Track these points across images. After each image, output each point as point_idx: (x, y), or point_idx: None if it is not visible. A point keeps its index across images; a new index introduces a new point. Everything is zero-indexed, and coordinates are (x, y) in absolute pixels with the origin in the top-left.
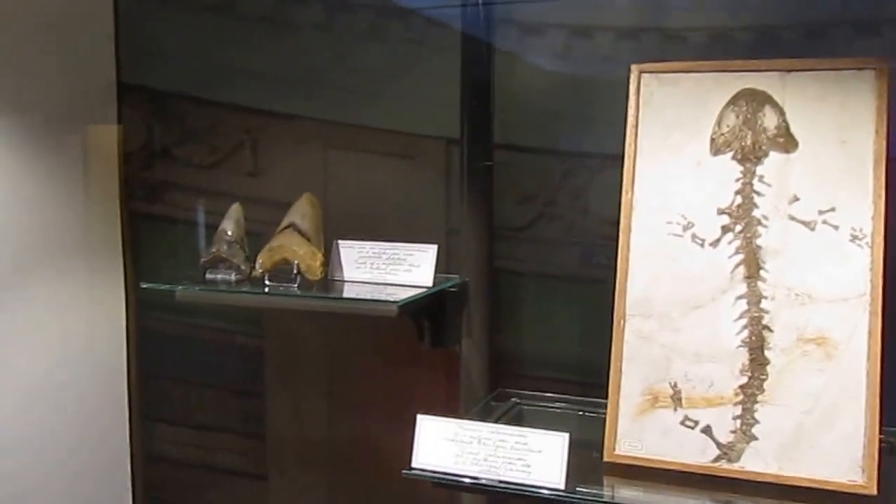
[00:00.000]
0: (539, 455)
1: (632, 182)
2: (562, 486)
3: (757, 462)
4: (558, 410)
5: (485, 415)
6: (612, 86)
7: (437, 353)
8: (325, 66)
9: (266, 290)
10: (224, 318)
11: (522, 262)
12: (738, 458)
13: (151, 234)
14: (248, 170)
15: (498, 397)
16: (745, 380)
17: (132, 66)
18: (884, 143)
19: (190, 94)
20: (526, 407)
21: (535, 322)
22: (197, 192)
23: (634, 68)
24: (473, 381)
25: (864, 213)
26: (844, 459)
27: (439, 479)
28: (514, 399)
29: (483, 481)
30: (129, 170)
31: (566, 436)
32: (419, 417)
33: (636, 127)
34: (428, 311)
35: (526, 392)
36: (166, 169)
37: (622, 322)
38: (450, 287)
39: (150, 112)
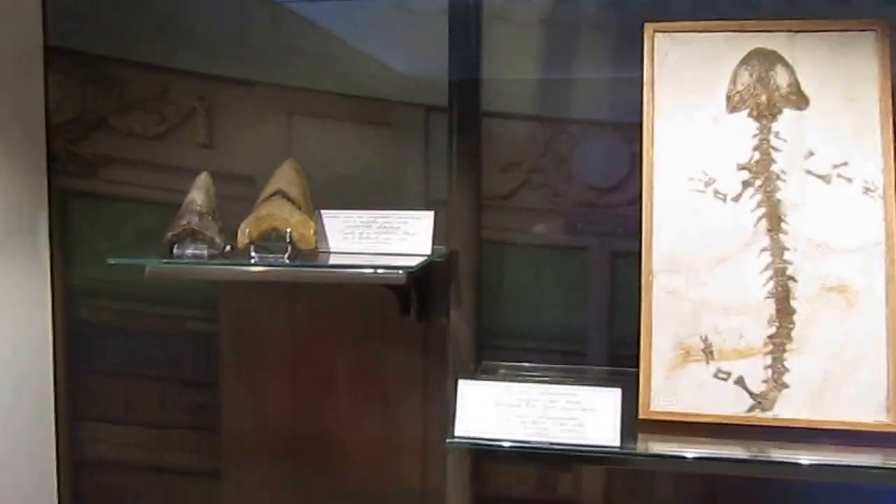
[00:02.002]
0: (592, 413)
1: (651, 140)
2: (616, 444)
3: (789, 409)
4: (547, 381)
5: None
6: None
7: (421, 327)
8: (290, 28)
9: (253, 261)
10: (171, 304)
11: (508, 231)
12: (771, 407)
13: (86, 214)
14: (201, 140)
15: (485, 370)
16: (773, 330)
17: (62, 27)
18: (889, 101)
19: (130, 58)
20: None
21: (520, 293)
22: (141, 166)
23: (648, 27)
24: (462, 353)
25: (875, 166)
26: (871, 402)
27: (485, 446)
28: (502, 371)
29: (533, 445)
30: (58, 142)
31: (618, 391)
32: (460, 382)
33: (652, 85)
34: (415, 283)
35: (511, 363)
36: (103, 141)
37: (650, 278)
38: (439, 258)
39: (83, 78)
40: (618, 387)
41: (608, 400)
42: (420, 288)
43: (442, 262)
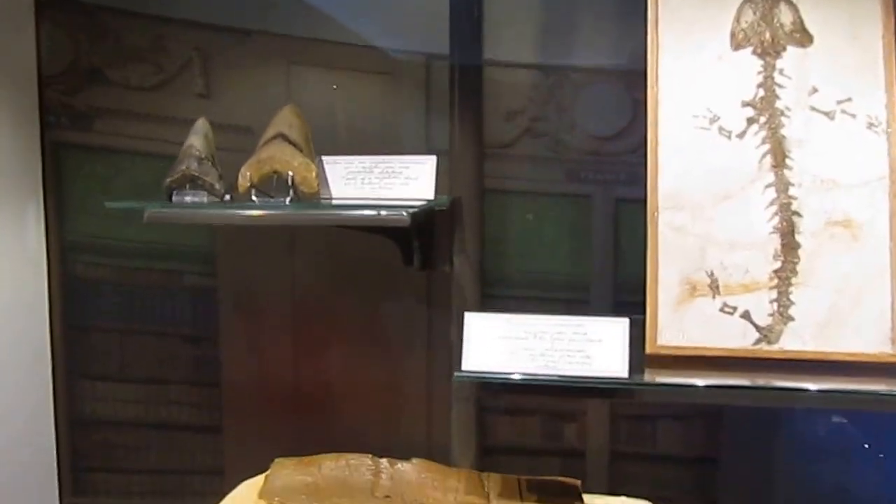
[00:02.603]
0: (599, 345)
1: (656, 77)
2: (625, 375)
3: (795, 342)
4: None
5: None
6: None
7: (424, 277)
8: None
9: (255, 202)
10: (168, 258)
11: (510, 179)
12: (777, 340)
13: (80, 168)
14: (197, 91)
15: None
16: (778, 264)
17: None
18: (892, 38)
19: (124, 8)
20: None
21: (523, 241)
22: (137, 118)
23: None
24: (466, 302)
25: (878, 102)
26: (875, 333)
27: (493, 379)
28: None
29: (541, 378)
30: (50, 94)
31: (626, 321)
32: (466, 315)
33: (656, 24)
34: (417, 231)
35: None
36: (98, 93)
37: (655, 215)
38: (442, 206)
39: (76, 28)
40: (625, 317)
41: (616, 331)
42: (423, 237)
43: (444, 210)
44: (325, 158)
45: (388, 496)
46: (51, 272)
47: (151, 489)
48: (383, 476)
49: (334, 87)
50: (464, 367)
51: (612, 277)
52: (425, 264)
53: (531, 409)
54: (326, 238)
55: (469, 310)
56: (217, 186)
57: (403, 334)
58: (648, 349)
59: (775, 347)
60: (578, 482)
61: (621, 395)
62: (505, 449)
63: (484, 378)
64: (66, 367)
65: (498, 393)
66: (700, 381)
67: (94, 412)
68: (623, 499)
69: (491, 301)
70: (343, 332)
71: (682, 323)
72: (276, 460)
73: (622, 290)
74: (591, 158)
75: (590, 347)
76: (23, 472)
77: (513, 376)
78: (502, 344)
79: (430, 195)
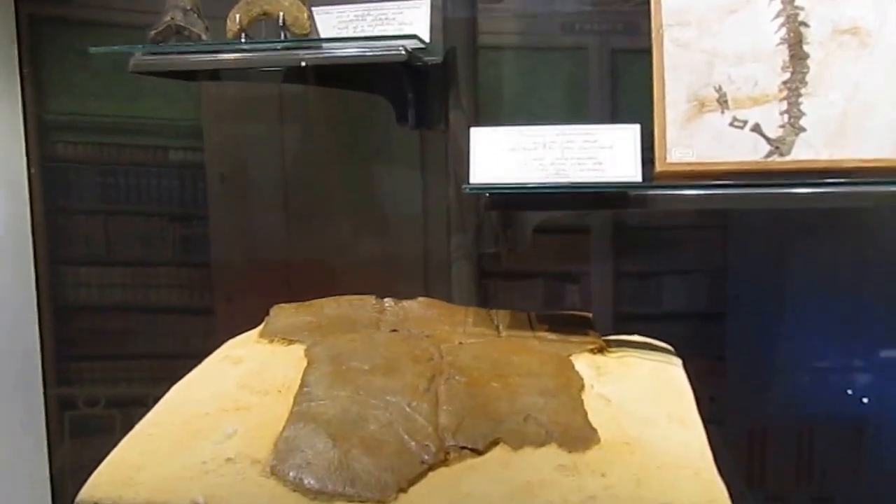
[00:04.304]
0: (611, 151)
1: None
2: (638, 179)
3: (807, 152)
4: None
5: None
6: None
7: (418, 136)
8: None
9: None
10: (153, 134)
11: (504, 35)
12: (789, 151)
13: (58, 42)
14: None
15: None
16: (787, 76)
17: None
18: None
19: None
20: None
21: (519, 96)
22: None
23: None
24: (461, 159)
25: None
26: (888, 140)
27: (504, 189)
28: None
29: (553, 185)
30: None
31: (637, 127)
32: (473, 130)
33: None
34: (412, 86)
35: None
36: None
37: (660, 32)
38: (436, 58)
39: None
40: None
41: (627, 137)
42: (417, 91)
43: (438, 65)
44: (315, 9)
45: (394, 329)
46: (30, 154)
47: (140, 376)
48: (388, 313)
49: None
50: (472, 180)
51: None
52: (419, 122)
53: (533, 272)
54: (316, 103)
55: (463, 167)
56: (204, 37)
57: (398, 199)
58: (658, 168)
59: (788, 158)
60: (590, 314)
61: (634, 203)
62: None
63: (494, 189)
64: (48, 252)
65: (506, 233)
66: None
67: (79, 298)
68: (638, 337)
69: None
70: (336, 201)
71: (691, 139)
72: (275, 306)
73: None
74: (586, 9)
75: (601, 154)
76: (4, 363)
77: (524, 184)
78: (510, 156)
79: (426, 38)
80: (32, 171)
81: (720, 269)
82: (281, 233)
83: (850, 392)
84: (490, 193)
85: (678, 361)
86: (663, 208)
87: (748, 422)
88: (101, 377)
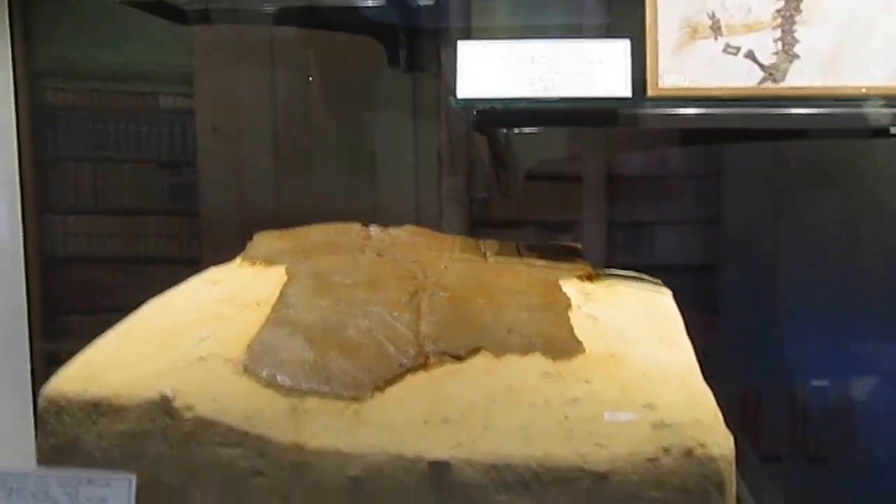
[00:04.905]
0: (601, 66)
1: None
2: (628, 94)
3: (801, 79)
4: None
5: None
6: None
7: (410, 79)
8: None
9: None
10: (142, 80)
11: None
12: (783, 78)
13: None
14: None
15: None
16: (781, 3)
17: None
18: None
19: None
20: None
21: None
22: None
23: None
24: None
25: None
26: (883, 66)
27: (492, 104)
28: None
29: (542, 100)
30: None
31: (627, 41)
32: (460, 43)
33: None
34: (404, 29)
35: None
36: None
37: None
38: (428, 1)
39: None
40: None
41: (617, 51)
42: (409, 35)
43: (431, 7)
44: None
45: (379, 254)
46: (18, 101)
47: None
48: (374, 239)
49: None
50: (460, 95)
51: None
52: (411, 64)
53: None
54: (307, 47)
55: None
56: None
57: (389, 144)
58: (650, 92)
59: (782, 85)
60: (579, 245)
61: (624, 121)
62: None
63: (483, 104)
64: (35, 201)
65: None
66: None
67: (67, 249)
68: (632, 272)
69: None
70: (327, 147)
71: (683, 66)
72: (258, 234)
73: None
74: None
75: (591, 69)
76: None
77: (513, 98)
78: (498, 71)
79: None
80: (21, 118)
81: (714, 221)
82: (271, 180)
83: (847, 347)
84: (477, 111)
85: (668, 293)
86: (655, 125)
87: (742, 377)
88: (90, 332)
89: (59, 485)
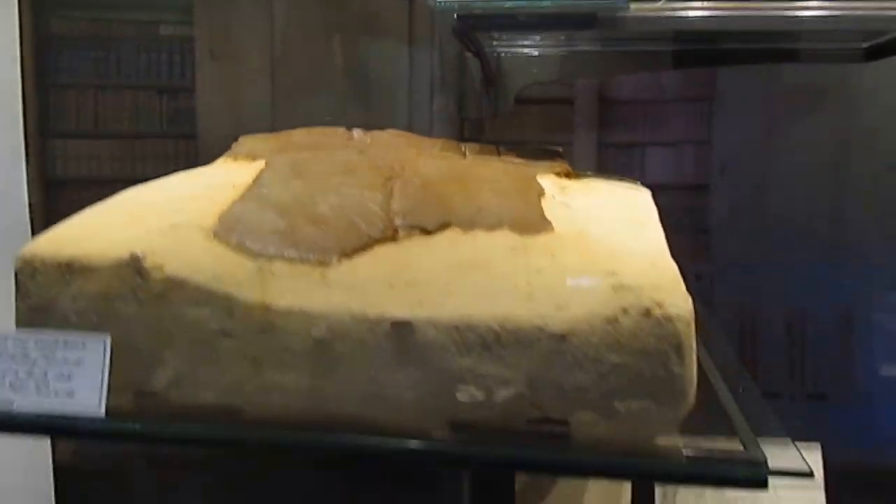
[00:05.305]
0: None
1: None
2: None
3: None
4: None
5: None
6: None
7: (406, 8)
8: None
9: None
10: (143, 8)
11: None
12: None
13: None
14: None
15: None
16: None
17: None
18: None
19: None
20: None
21: None
22: None
23: None
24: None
25: None
26: None
27: (473, 6)
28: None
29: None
30: None
31: None
32: None
33: None
34: None
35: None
36: None
37: None
38: None
39: None
40: None
41: None
42: None
43: None
44: None
45: (360, 152)
46: (22, 29)
47: None
48: (356, 140)
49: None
50: None
51: None
52: None
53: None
54: None
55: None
56: None
57: (385, 70)
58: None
59: None
60: (560, 148)
61: (609, 25)
62: None
63: (464, 6)
64: (38, 126)
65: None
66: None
67: (68, 171)
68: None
69: None
70: (323, 73)
71: None
72: (243, 136)
73: None
74: None
75: None
76: None
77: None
78: None
79: None
80: (25, 45)
81: (705, 142)
82: (267, 104)
83: (839, 270)
84: (458, 16)
85: (646, 191)
86: (636, 29)
87: (735, 301)
88: None
89: (36, 347)
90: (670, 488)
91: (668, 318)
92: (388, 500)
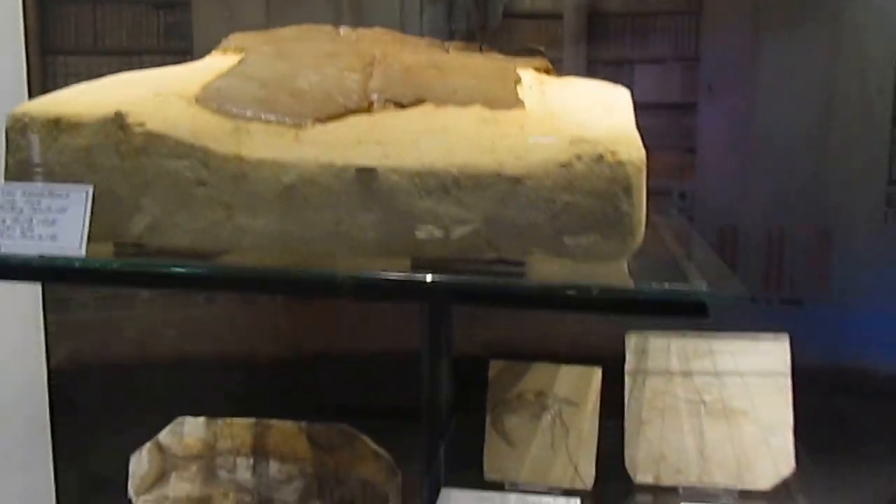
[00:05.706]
0: None
1: None
2: None
3: None
4: None
5: None
6: None
7: None
8: None
9: None
10: None
11: None
12: None
13: None
14: None
15: None
16: None
17: None
18: None
19: None
20: None
21: None
22: None
23: None
24: None
25: None
26: None
27: None
28: None
29: None
30: None
31: None
32: None
33: None
34: None
35: None
36: None
37: None
38: None
39: None
40: None
41: None
42: None
43: None
44: None
45: (348, 44)
46: None
47: None
48: (342, 35)
49: None
50: None
51: None
52: None
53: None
54: None
55: None
56: None
57: None
58: None
59: None
60: (542, 48)
61: None
62: None
63: None
64: (38, 42)
65: None
66: None
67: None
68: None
69: None
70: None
71: None
72: (231, 34)
73: None
74: None
75: None
76: None
77: None
78: None
79: None
80: None
81: (692, 59)
82: (262, 16)
83: (824, 188)
84: None
85: (626, 90)
86: None
87: (718, 218)
88: None
89: (23, 196)
90: (640, 373)
91: (620, 163)
92: None
